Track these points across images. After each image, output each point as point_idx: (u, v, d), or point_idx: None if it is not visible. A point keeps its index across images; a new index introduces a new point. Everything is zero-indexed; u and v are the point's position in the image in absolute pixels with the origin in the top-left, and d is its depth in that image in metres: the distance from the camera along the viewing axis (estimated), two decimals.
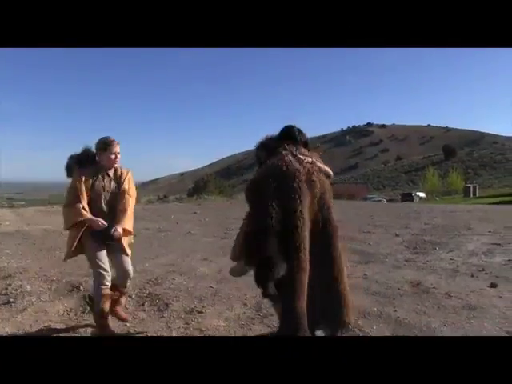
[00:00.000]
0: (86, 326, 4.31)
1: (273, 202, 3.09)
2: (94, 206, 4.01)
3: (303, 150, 3.63)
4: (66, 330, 4.19)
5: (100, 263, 3.96)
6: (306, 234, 3.18)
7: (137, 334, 4.13)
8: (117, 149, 4.06)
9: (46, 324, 4.32)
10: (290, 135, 3.68)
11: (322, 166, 3.61)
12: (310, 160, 3.48)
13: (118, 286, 4.22)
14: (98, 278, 3.97)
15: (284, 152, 3.44)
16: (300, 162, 3.39)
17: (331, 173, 3.74)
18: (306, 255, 3.16)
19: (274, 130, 3.80)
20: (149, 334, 4.10)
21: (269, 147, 3.61)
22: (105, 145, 4.01)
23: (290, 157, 3.40)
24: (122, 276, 4.17)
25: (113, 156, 4.04)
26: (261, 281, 3.02)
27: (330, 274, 3.45)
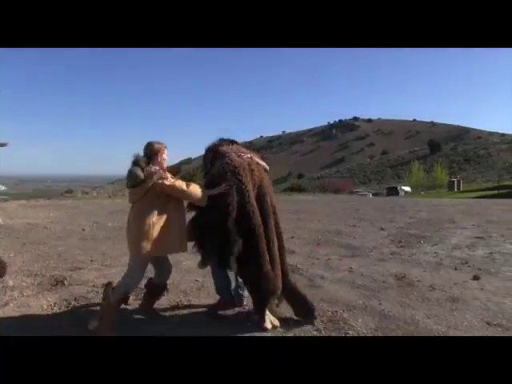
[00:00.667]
0: (71, 320, 4.27)
1: (232, 191, 3.94)
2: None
3: (241, 148, 4.48)
4: (50, 325, 4.13)
5: (145, 269, 4.23)
6: (258, 214, 3.99)
7: (122, 328, 4.10)
8: (166, 153, 4.28)
9: (28, 319, 4.26)
10: (227, 138, 4.59)
11: (260, 161, 4.43)
12: (248, 155, 4.32)
13: (163, 282, 4.49)
14: (136, 281, 4.18)
15: (225, 151, 4.28)
16: (240, 157, 4.23)
17: (267, 167, 4.54)
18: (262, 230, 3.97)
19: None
20: (133, 325, 4.08)
21: (214, 149, 4.42)
22: (160, 149, 4.19)
23: (232, 153, 4.24)
24: (168, 270, 4.47)
25: (164, 159, 4.23)
26: (226, 255, 3.93)
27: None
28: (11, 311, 4.48)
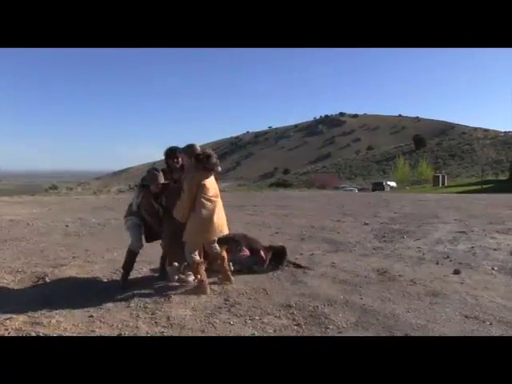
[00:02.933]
0: (50, 317, 4.25)
1: None
2: None
3: None
4: (30, 322, 4.11)
5: None
6: None
7: (103, 323, 4.09)
8: None
9: (7, 316, 4.22)
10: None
11: None
12: None
13: None
14: None
15: None
16: None
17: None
18: None
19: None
20: (115, 324, 4.07)
21: None
22: None
23: None
24: None
25: None
26: None
27: None
28: None
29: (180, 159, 5.28)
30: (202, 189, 4.93)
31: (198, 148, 5.14)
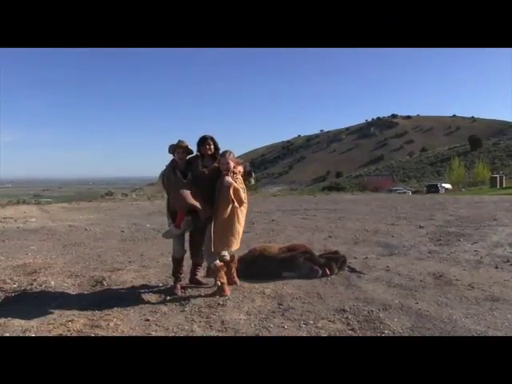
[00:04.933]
0: (108, 320, 4.39)
1: None
2: None
3: None
4: (89, 324, 4.26)
5: None
6: None
7: (158, 327, 4.19)
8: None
9: (69, 318, 4.39)
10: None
11: None
12: None
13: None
14: None
15: None
16: None
17: None
18: None
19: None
20: (170, 327, 4.15)
21: None
22: None
23: None
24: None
25: None
26: None
27: None
28: (53, 311, 4.63)
29: (212, 147, 5.37)
30: None
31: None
